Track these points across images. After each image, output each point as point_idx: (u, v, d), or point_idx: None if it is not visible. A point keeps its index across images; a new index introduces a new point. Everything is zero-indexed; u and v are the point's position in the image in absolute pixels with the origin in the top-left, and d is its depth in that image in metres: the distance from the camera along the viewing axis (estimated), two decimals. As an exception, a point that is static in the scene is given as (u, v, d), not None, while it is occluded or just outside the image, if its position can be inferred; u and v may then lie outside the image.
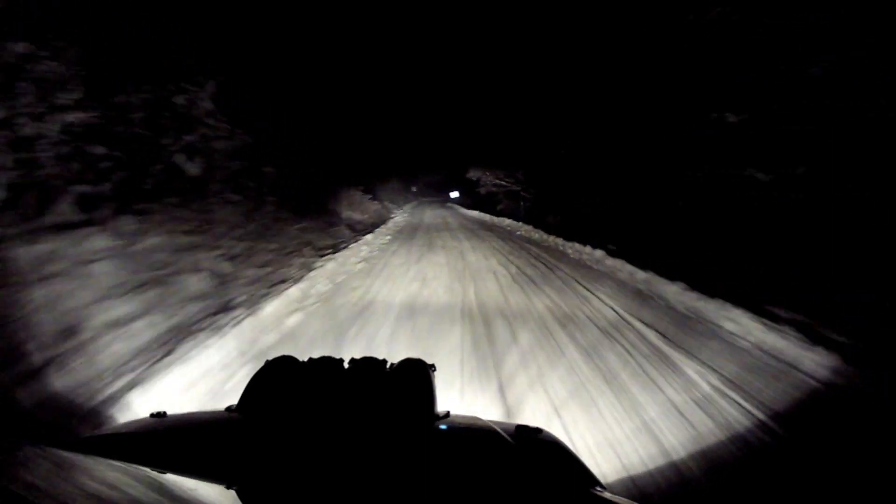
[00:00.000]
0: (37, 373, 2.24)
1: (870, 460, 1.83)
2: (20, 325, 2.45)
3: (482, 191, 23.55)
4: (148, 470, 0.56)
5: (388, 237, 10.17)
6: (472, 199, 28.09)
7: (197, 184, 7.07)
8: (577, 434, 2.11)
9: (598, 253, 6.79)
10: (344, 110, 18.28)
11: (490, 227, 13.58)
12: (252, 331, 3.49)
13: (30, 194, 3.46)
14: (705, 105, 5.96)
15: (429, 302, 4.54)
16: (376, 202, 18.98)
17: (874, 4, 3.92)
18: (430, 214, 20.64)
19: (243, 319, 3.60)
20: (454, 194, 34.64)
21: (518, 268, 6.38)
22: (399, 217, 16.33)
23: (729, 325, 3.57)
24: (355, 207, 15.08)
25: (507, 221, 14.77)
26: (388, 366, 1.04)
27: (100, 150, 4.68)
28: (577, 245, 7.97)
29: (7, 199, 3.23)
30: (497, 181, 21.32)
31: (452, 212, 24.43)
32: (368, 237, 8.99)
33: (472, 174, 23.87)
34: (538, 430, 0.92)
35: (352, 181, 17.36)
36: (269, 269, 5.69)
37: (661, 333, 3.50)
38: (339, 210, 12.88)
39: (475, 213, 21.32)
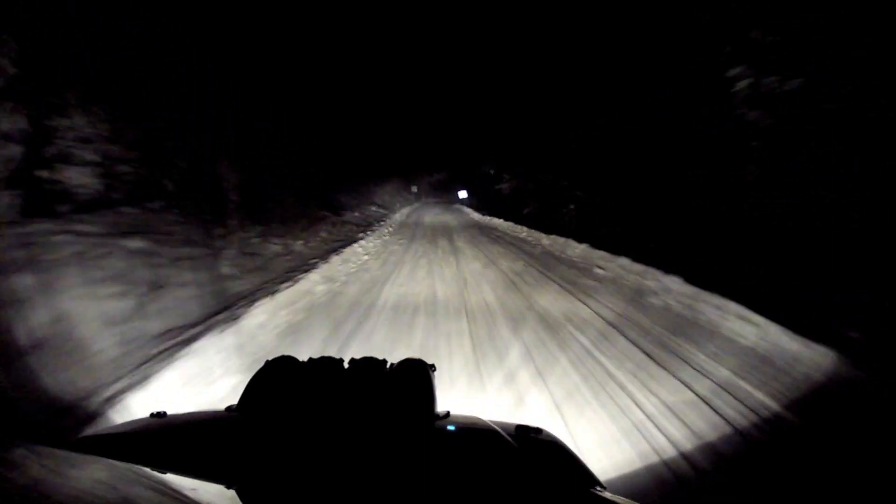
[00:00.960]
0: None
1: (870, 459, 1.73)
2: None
3: (506, 188, 16.31)
4: (148, 470, 0.56)
5: (277, 331, 2.84)
6: (484, 200, 20.96)
7: None
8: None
9: None
10: (320, 102, 13.41)
11: (552, 273, 6.06)
12: None
13: None
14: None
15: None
16: (335, 216, 11.75)
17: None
18: (429, 229, 13.21)
19: None
20: (462, 194, 27.31)
21: None
22: (369, 241, 9.03)
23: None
24: (279, 234, 7.82)
25: (578, 249, 7.31)
26: (388, 366, 1.01)
27: None
28: None
29: None
30: (529, 174, 14.07)
31: (462, 220, 17.08)
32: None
33: (489, 169, 16.76)
34: (538, 430, 0.91)
35: (312, 190, 10.71)
36: None
37: None
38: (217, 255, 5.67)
39: (500, 223, 13.84)
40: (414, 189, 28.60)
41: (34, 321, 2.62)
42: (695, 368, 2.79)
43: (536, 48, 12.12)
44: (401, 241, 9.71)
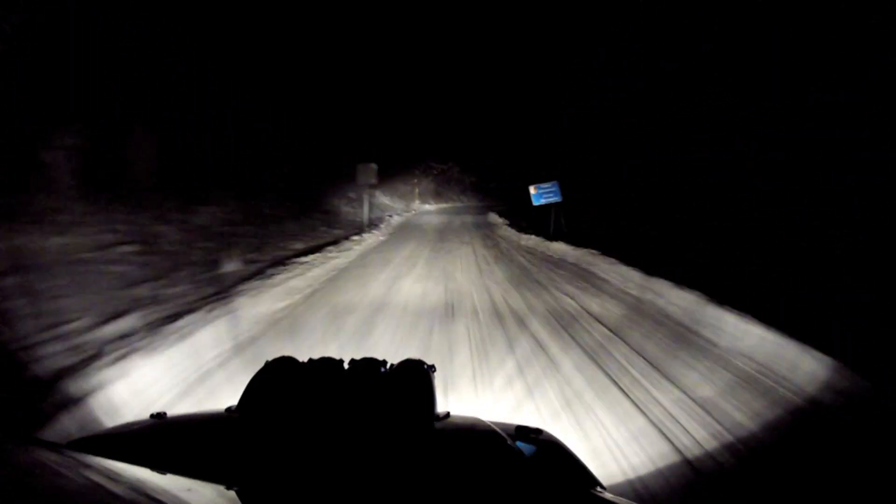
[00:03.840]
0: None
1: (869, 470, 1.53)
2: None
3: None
4: (148, 471, 0.55)
5: None
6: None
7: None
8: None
9: None
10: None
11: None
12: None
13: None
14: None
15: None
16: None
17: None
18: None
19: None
20: (542, 196, 7.63)
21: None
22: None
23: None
24: None
25: None
26: (387, 366, 1.01)
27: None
28: None
29: None
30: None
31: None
32: None
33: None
34: (538, 431, 0.91)
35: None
36: None
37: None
38: None
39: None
40: (369, 179, 8.53)
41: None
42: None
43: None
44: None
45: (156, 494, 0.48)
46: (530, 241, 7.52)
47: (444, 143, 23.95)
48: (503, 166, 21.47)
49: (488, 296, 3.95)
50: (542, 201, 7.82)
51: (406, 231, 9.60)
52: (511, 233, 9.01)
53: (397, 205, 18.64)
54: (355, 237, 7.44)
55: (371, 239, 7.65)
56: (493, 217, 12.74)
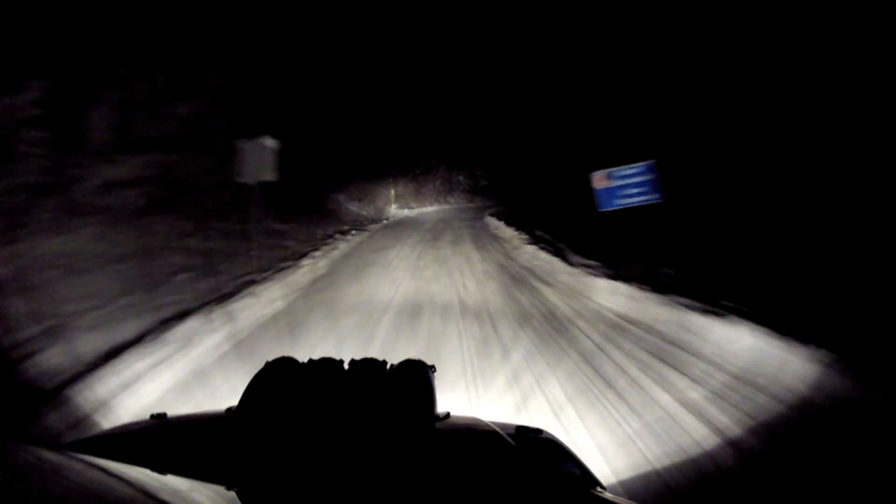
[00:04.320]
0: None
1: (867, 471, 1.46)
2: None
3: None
4: (148, 471, 0.54)
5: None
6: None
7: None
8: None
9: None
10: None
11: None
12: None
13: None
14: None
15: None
16: None
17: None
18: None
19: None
20: (634, 189, 3.73)
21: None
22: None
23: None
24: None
25: None
26: (387, 367, 1.00)
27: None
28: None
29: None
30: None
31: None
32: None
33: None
34: (538, 431, 0.91)
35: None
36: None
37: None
38: None
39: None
40: (261, 171, 4.44)
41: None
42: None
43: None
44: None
45: (156, 494, 0.48)
46: (623, 297, 3.43)
47: (428, 138, 20.15)
48: (498, 161, 17.65)
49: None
50: (623, 203, 3.80)
51: (356, 268, 5.43)
52: (543, 258, 4.98)
53: (366, 211, 14.44)
54: (235, 302, 3.29)
55: (256, 310, 3.45)
56: (495, 224, 8.80)
